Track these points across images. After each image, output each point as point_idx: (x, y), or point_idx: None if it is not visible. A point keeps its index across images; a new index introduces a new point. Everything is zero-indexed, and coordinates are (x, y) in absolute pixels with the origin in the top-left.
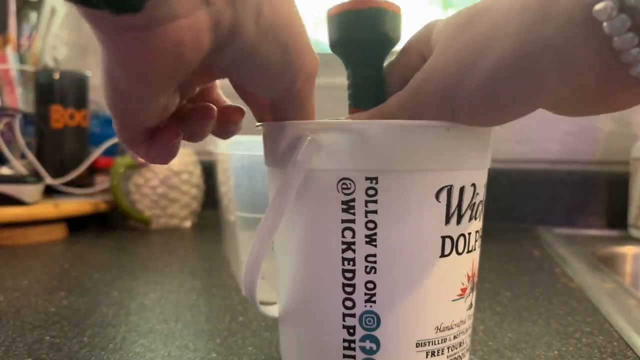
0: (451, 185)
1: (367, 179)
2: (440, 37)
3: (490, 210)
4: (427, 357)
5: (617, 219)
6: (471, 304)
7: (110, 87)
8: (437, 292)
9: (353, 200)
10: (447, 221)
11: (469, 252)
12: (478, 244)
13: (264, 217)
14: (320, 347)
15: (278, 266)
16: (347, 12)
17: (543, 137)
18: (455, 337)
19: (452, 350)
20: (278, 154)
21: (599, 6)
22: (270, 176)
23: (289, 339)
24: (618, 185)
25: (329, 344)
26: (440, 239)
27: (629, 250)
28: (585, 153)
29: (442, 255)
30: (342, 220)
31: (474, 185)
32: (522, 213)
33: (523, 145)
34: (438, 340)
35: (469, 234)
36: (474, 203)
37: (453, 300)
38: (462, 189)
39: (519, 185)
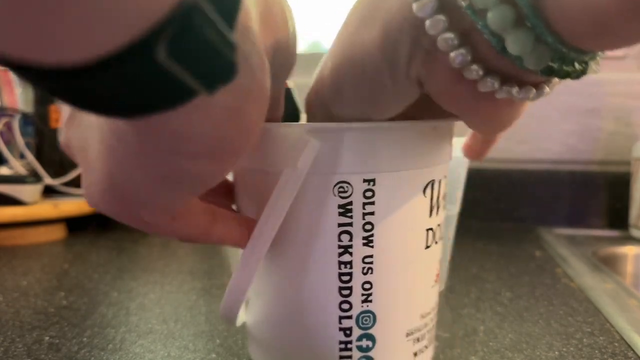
0: (433, 180)
1: (364, 181)
2: None
3: (490, 210)
4: (414, 344)
5: (618, 219)
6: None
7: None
8: (422, 281)
9: (350, 203)
10: (430, 214)
11: (440, 239)
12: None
13: (259, 225)
14: (314, 352)
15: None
16: None
17: (543, 137)
18: (431, 321)
19: (429, 334)
20: (269, 157)
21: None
22: (250, 181)
23: (272, 346)
24: (619, 185)
25: (325, 349)
26: (425, 232)
27: (629, 250)
28: (586, 153)
29: (427, 246)
30: (338, 224)
31: (445, 177)
32: (522, 213)
33: (523, 145)
34: (421, 327)
35: (440, 223)
36: (444, 194)
37: (431, 287)
38: (440, 182)
39: (519, 185)
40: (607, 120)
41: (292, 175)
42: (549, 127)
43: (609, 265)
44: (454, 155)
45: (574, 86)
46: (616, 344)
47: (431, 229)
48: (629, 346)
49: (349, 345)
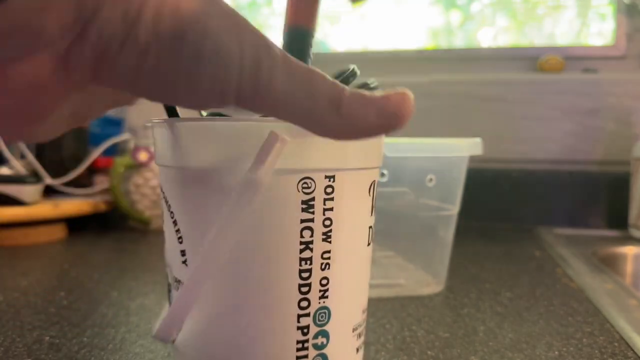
0: (374, 181)
1: (326, 177)
2: None
3: (490, 210)
4: (357, 339)
5: (618, 219)
6: None
7: None
8: (364, 278)
9: (313, 199)
10: (371, 212)
11: (373, 240)
12: None
13: (214, 234)
14: (269, 355)
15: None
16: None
17: (543, 137)
18: (366, 316)
19: (365, 330)
20: (231, 154)
21: None
22: (206, 184)
23: (219, 355)
24: (619, 185)
25: (281, 350)
26: (368, 229)
27: (629, 250)
28: (586, 153)
29: (368, 243)
30: (301, 220)
31: (377, 180)
32: (522, 213)
33: (523, 145)
34: (362, 322)
35: (374, 224)
36: (376, 197)
37: (368, 283)
38: (376, 184)
39: (519, 185)
40: (607, 120)
41: (260, 172)
42: (549, 127)
43: (609, 265)
44: (454, 155)
45: (574, 86)
46: (616, 344)
47: (371, 227)
48: (629, 346)
49: (305, 344)
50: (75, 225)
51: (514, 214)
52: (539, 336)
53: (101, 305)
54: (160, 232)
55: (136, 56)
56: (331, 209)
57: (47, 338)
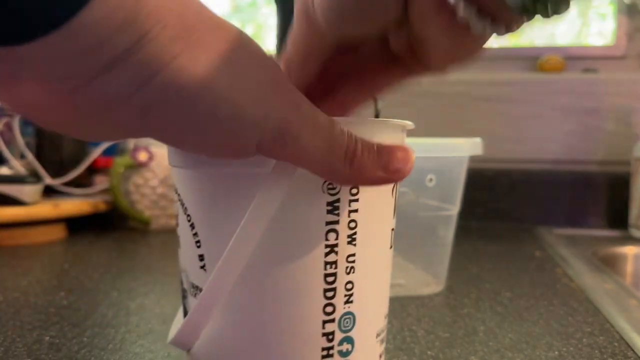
0: (396, 182)
1: None
2: None
3: (490, 210)
4: (380, 345)
5: (618, 219)
6: None
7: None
8: (387, 281)
9: (338, 200)
10: (393, 214)
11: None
12: None
13: (241, 230)
14: None
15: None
16: None
17: (543, 137)
18: (387, 322)
19: (386, 335)
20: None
21: None
22: (231, 186)
23: None
24: (619, 185)
25: (305, 358)
26: (390, 231)
27: (629, 250)
28: (586, 153)
29: (390, 246)
30: (326, 222)
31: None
32: (522, 213)
33: (523, 145)
34: (384, 328)
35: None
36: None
37: (390, 288)
38: (399, 185)
39: (519, 185)
40: (607, 120)
41: (283, 172)
42: (549, 127)
43: (609, 265)
44: (454, 155)
45: (574, 86)
46: (616, 344)
47: (393, 229)
48: (629, 346)
49: (330, 352)
50: (75, 225)
51: (514, 214)
52: (539, 336)
53: (101, 305)
54: (160, 232)
55: (138, 113)
56: (356, 211)
57: (47, 338)
